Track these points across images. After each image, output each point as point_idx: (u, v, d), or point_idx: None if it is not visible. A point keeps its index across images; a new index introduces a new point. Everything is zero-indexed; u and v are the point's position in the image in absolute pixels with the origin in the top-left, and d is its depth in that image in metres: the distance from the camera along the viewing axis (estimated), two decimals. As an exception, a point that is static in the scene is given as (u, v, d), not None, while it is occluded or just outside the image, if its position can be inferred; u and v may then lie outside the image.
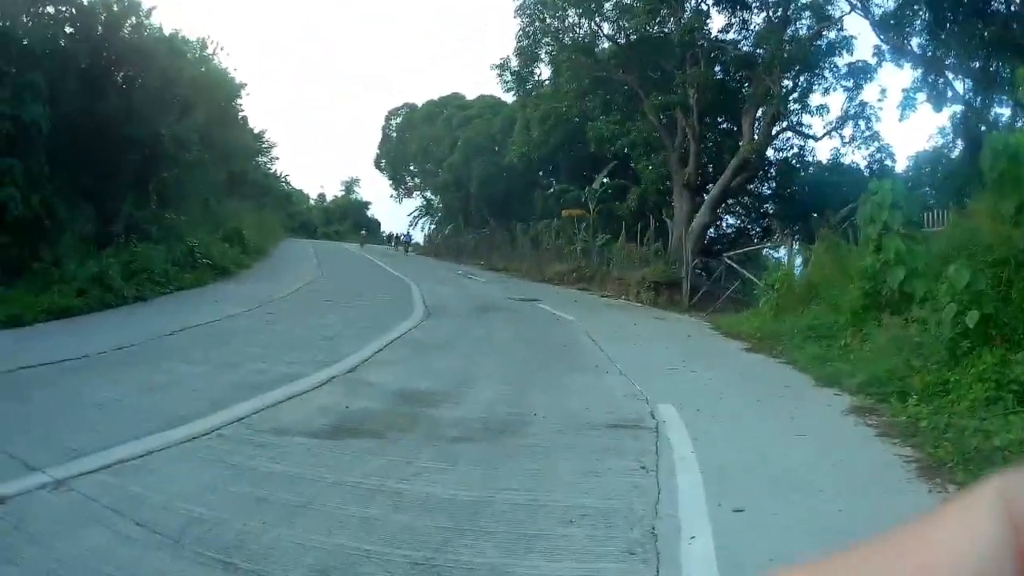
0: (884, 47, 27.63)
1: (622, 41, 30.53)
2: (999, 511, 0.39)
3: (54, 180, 18.01)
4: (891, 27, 26.23)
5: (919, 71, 28.10)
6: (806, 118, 30.80)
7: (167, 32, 26.32)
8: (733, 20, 29.64)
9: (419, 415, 8.64)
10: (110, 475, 6.18)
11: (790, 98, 28.69)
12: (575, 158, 37.89)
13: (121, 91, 21.55)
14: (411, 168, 60.76)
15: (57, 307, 15.54)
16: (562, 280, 30.91)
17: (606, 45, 31.50)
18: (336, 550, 4.92)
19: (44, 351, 11.51)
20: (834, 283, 15.30)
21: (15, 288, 15.99)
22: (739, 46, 29.79)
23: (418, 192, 62.24)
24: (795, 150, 33.43)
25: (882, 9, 26.08)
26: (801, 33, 27.58)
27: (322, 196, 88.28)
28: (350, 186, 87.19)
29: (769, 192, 35.60)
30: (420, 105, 60.03)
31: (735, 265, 23.82)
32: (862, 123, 29.87)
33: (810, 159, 33.80)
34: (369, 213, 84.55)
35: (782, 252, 22.98)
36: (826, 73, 28.78)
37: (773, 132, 29.51)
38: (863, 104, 29.43)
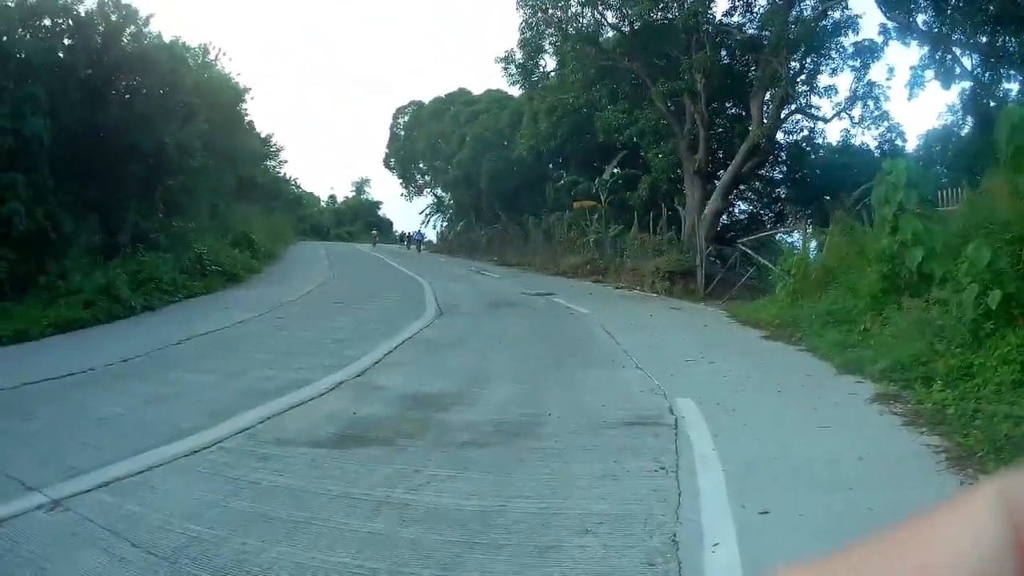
0: (890, 25, 27.19)
1: (626, 29, 30.11)
2: (999, 511, 0.39)
3: (58, 193, 17.92)
4: (896, 4, 25.80)
5: (926, 48, 27.72)
6: (815, 99, 30.34)
7: (167, 39, 26.20)
8: (737, 3, 29.20)
9: (429, 419, 8.35)
10: (107, 493, 5.99)
11: (798, 80, 28.19)
12: (584, 149, 37.50)
13: (123, 100, 21.43)
14: (420, 166, 60.41)
15: (64, 320, 15.42)
16: (576, 273, 30.59)
17: (610, 34, 31.09)
18: (338, 569, 4.66)
19: (49, 365, 11.35)
20: (851, 266, 14.98)
21: (22, 303, 15.88)
22: (744, 29, 29.36)
23: (428, 190, 61.88)
24: (805, 133, 32.97)
25: (887, -15, 25.67)
26: (806, 14, 27.08)
27: (333, 198, 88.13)
28: (360, 187, 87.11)
29: (780, 176, 35.05)
30: (427, 102, 59.70)
31: (749, 251, 23.51)
32: (871, 103, 29.26)
33: (820, 142, 33.39)
34: (381, 213, 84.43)
35: (796, 237, 22.77)
36: (833, 54, 28.26)
37: (782, 115, 28.99)
38: (871, 84, 28.88)
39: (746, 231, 30.40)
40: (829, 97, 29.65)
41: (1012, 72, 26.20)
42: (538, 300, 21.79)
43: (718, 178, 29.76)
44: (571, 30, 30.78)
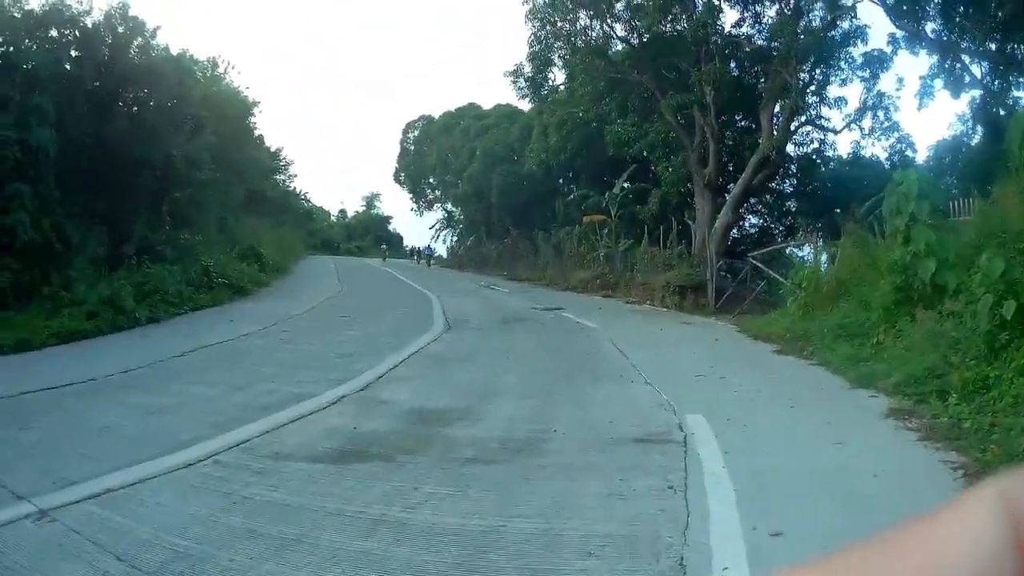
0: (899, 34, 27.05)
1: (635, 41, 30.00)
2: (1000, 511, 0.38)
3: (65, 204, 17.86)
4: (905, 12, 25.63)
5: (935, 57, 27.54)
6: (824, 111, 30.08)
7: (174, 52, 26.15)
8: (746, 14, 29.04)
9: (432, 435, 8.12)
10: (97, 505, 5.84)
11: (807, 91, 28.02)
12: (594, 163, 37.33)
13: (130, 112, 21.49)
14: (431, 180, 60.54)
15: (67, 331, 15.30)
16: (586, 287, 30.34)
17: (619, 47, 30.97)
18: (327, 591, 4.43)
19: (50, 375, 11.22)
20: (863, 279, 14.75)
21: (26, 312, 15.76)
22: (753, 40, 29.25)
23: (439, 204, 62.04)
24: (815, 145, 32.73)
25: (895, -6, 25.51)
26: (815, 24, 26.94)
27: (343, 212, 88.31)
28: (371, 201, 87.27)
29: (791, 190, 34.82)
30: (437, 117, 59.96)
31: (760, 265, 23.25)
32: (881, 114, 29.01)
33: (830, 154, 33.15)
34: (391, 227, 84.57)
35: (806, 251, 22.55)
36: (842, 64, 28.10)
37: (792, 127, 28.83)
38: (881, 94, 28.66)
39: (757, 245, 30.13)
40: (839, 108, 29.53)
41: (1022, 79, 26.00)
42: (547, 315, 21.56)
43: (728, 191, 29.57)
44: (580, 43, 30.62)
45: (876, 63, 27.75)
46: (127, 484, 6.29)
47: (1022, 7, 22.59)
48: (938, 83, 27.85)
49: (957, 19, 25.25)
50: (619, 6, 29.30)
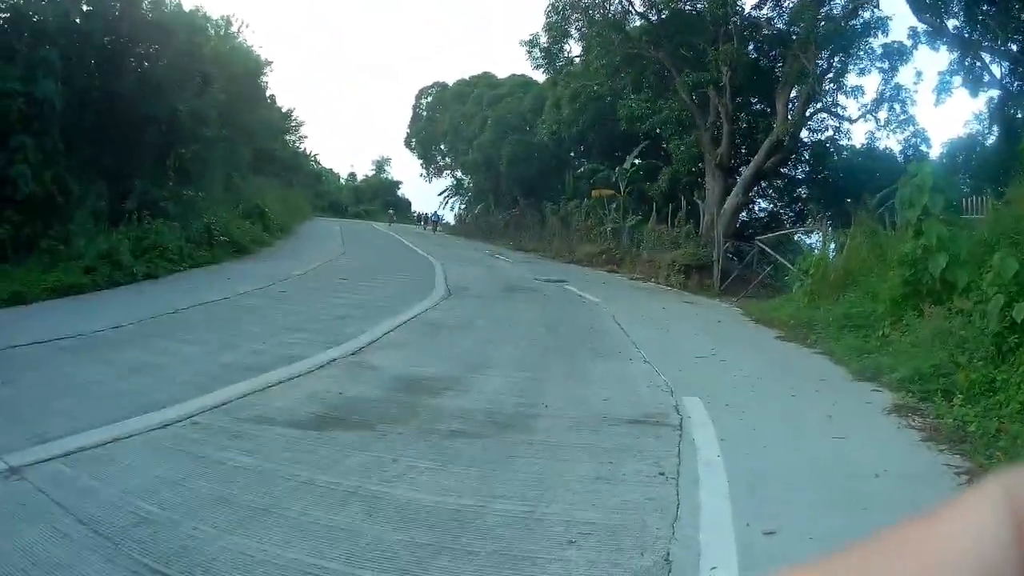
0: (920, 28, 26.72)
1: (654, 17, 29.65)
2: (1002, 509, 0.38)
3: (69, 157, 17.58)
4: (928, 7, 25.29)
5: (955, 54, 27.18)
6: (841, 99, 29.90)
7: (187, 8, 25.74)
8: (767, -5, 28.65)
9: (418, 405, 7.84)
10: (67, 464, 5.60)
11: (825, 78, 27.78)
12: (606, 137, 37.08)
13: (139, 68, 21.14)
14: (441, 147, 60.10)
15: (63, 285, 14.98)
16: (591, 261, 30.13)
17: (637, 22, 30.65)
18: (289, 566, 4.19)
19: (40, 330, 10.88)
20: (871, 269, 14.47)
21: (23, 266, 15.48)
22: (773, 23, 28.98)
23: (448, 171, 61.71)
24: (829, 132, 32.47)
25: (919, -13, 25.12)
26: (836, 12, 26.65)
27: (352, 176, 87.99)
28: (381, 165, 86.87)
29: (802, 176, 34.53)
30: (451, 84, 59.50)
31: (767, 249, 22.93)
32: (897, 106, 28.85)
33: (844, 143, 32.84)
34: (400, 193, 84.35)
35: (815, 238, 22.35)
36: (861, 54, 27.86)
37: (807, 113, 28.60)
38: (898, 87, 28.41)
39: (765, 229, 29.87)
40: (855, 98, 29.32)
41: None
42: (550, 287, 21.31)
43: (740, 173, 29.31)
44: (597, 16, 30.24)
45: (895, 55, 27.56)
46: (101, 443, 6.05)
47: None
48: (956, 80, 27.65)
49: (980, 17, 24.95)
50: (638, -21, 28.87)
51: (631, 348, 11.99)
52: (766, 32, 29.00)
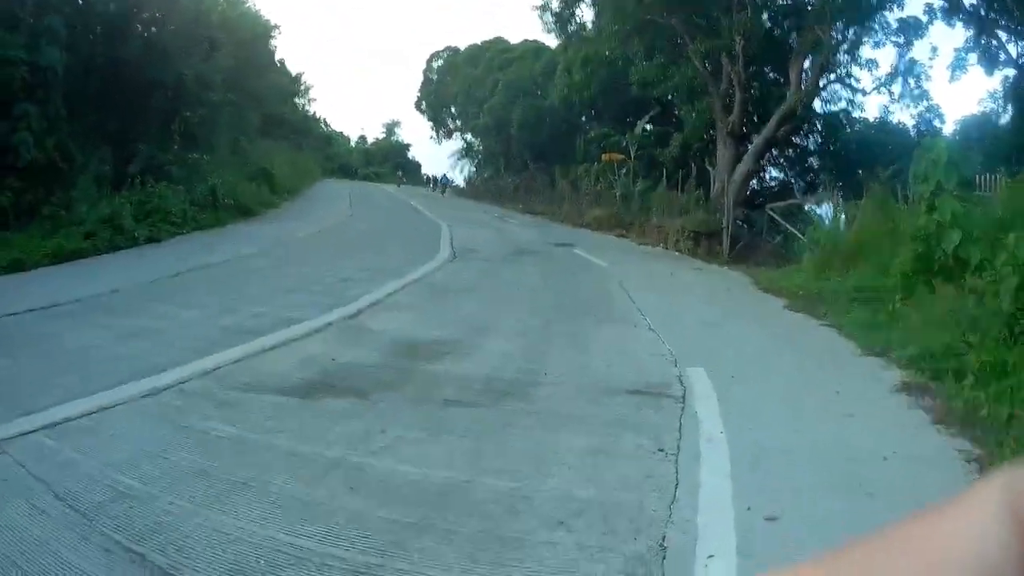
0: (936, 3, 26.51)
1: (667, -18, 28.97)
2: (1004, 507, 0.37)
3: (73, 123, 17.47)
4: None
5: (971, 31, 27.09)
6: (855, 71, 29.61)
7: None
8: (783, -37, 28.16)
9: (414, 370, 7.62)
10: (50, 436, 5.40)
11: (839, 49, 27.35)
12: (617, 102, 36.71)
13: (145, 33, 20.96)
14: (452, 110, 59.82)
15: (64, 250, 14.78)
16: (600, 226, 29.80)
17: (651, -14, 29.93)
18: (263, 544, 3.97)
19: (37, 296, 10.65)
20: (882, 243, 14.10)
21: (25, 232, 15.35)
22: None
23: (458, 134, 61.37)
24: (842, 104, 32.15)
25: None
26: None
27: (363, 138, 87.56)
28: (391, 128, 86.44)
29: (814, 147, 34.27)
30: (463, 48, 59.21)
31: (777, 218, 22.62)
32: (911, 81, 28.79)
33: (857, 115, 32.62)
34: (410, 155, 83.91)
35: (824, 208, 22.05)
36: (876, 26, 27.44)
37: (821, 83, 28.23)
38: (913, 61, 28.24)
39: (776, 198, 29.46)
40: (870, 71, 29.05)
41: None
42: (558, 250, 21.12)
43: (751, 141, 28.86)
44: (611, -20, 29.65)
45: (911, 29, 27.17)
46: (86, 413, 5.86)
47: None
48: (972, 57, 27.65)
49: (998, -5, 24.71)
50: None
51: (637, 315, 11.74)
52: (781, 2, 28.63)
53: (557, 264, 18.18)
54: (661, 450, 5.56)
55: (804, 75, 26.94)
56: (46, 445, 5.25)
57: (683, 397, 7.08)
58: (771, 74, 31.38)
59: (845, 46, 27.68)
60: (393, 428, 5.80)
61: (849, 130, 32.15)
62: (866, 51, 28.49)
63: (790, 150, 33.61)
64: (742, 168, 27.11)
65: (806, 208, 24.74)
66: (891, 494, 4.95)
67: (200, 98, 22.40)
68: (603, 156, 33.64)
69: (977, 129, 28.08)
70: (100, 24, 19.02)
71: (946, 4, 25.83)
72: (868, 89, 29.83)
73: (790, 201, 26.26)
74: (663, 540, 4.14)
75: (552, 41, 40.55)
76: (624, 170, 32.09)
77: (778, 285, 15.75)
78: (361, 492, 4.64)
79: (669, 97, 31.42)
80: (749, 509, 4.57)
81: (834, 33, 26.07)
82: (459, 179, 61.23)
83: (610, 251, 21.80)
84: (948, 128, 29.61)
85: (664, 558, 3.96)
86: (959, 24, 27.06)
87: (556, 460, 5.30)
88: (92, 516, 4.22)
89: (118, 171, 18.90)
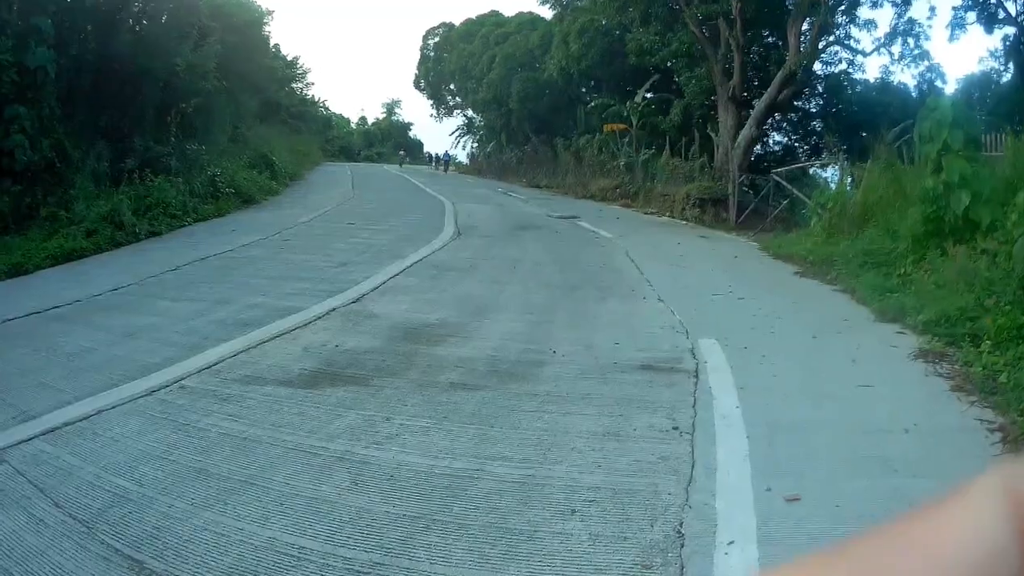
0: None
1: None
2: (1002, 501, 0.38)
3: (67, 122, 17.31)
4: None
5: (969, -11, 26.80)
6: (854, 31, 29.28)
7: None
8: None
9: (417, 354, 7.45)
10: (48, 442, 5.33)
11: (838, 10, 26.83)
12: (616, 72, 36.29)
13: (136, 26, 20.70)
14: (451, 87, 59.37)
15: (64, 251, 14.68)
16: (605, 197, 29.64)
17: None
18: (265, 546, 3.86)
19: (38, 299, 10.53)
20: (890, 205, 13.81)
21: (25, 236, 15.23)
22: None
23: (459, 111, 61.02)
24: (843, 65, 31.79)
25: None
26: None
27: (363, 120, 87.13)
28: (391, 108, 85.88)
29: (816, 110, 33.93)
30: (458, 24, 58.56)
31: (783, 182, 22.29)
32: (911, 40, 28.36)
33: (858, 76, 32.31)
34: (412, 134, 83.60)
35: (830, 171, 22.00)
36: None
37: (820, 45, 27.75)
38: (912, 21, 27.84)
39: (780, 163, 29.24)
40: (869, 31, 29.39)
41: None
42: (562, 223, 20.86)
43: (753, 106, 28.48)
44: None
45: (908, -13, 26.84)
46: (85, 416, 5.77)
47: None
48: (971, 16, 27.32)
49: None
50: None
51: (645, 286, 11.56)
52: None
53: (563, 237, 17.96)
54: (675, 428, 5.39)
55: (803, 37, 26.51)
56: (45, 452, 5.16)
57: (696, 371, 6.90)
58: (769, 37, 31.03)
59: (843, 7, 27.23)
60: (397, 417, 5.65)
61: (850, 92, 31.85)
62: (864, 12, 28.20)
63: (793, 114, 33.23)
64: (745, 133, 26.77)
65: (811, 171, 24.50)
66: (915, 469, 4.77)
67: (194, 88, 22.03)
68: (605, 127, 33.30)
69: (979, 88, 28.23)
70: (89, 20, 18.74)
71: (943, -39, 25.59)
72: (868, 50, 29.59)
73: (795, 165, 25.99)
74: (680, 526, 3.98)
75: (547, 12, 40.38)
76: (626, 139, 31.78)
77: (787, 251, 15.53)
78: (366, 486, 4.49)
79: (668, 64, 31.03)
80: (769, 490, 4.40)
81: (831, -8, 25.70)
82: (462, 156, 61.22)
83: (616, 222, 21.58)
84: (950, 88, 29.54)
85: (682, 546, 3.79)
86: (956, -19, 26.78)
87: (566, 444, 5.13)
88: (91, 523, 4.14)
89: (116, 167, 18.67)
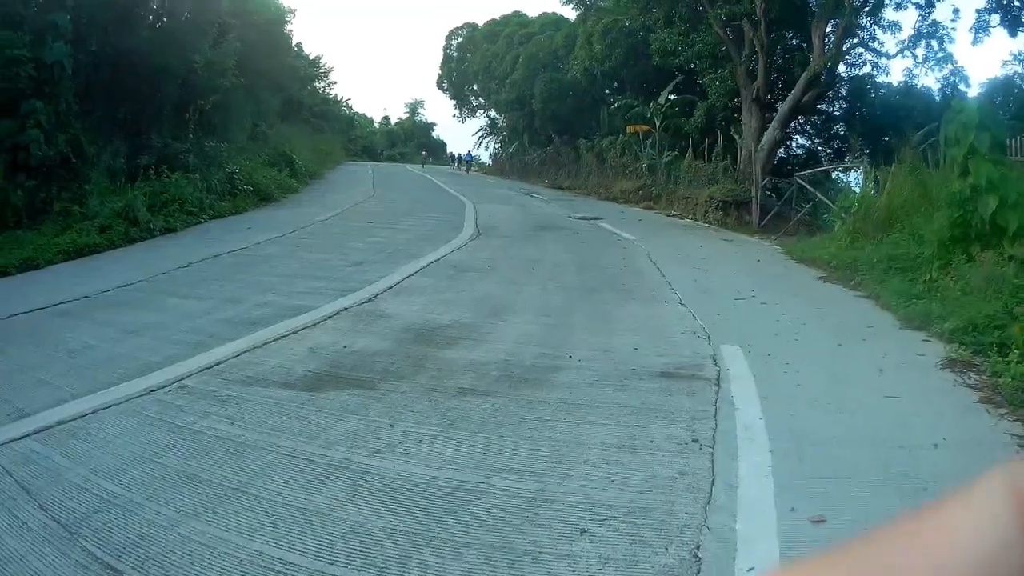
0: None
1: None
2: (1008, 500, 0.38)
3: (84, 118, 17.26)
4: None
5: (993, -9, 26.37)
6: (878, 33, 28.89)
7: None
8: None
9: (428, 357, 7.19)
10: (39, 442, 5.15)
11: (862, 11, 26.43)
12: (640, 73, 36.07)
13: (156, 23, 20.72)
14: (474, 87, 59.28)
15: (77, 246, 14.61)
16: (628, 198, 29.43)
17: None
18: (250, 560, 3.61)
19: (47, 294, 10.42)
20: (915, 209, 13.50)
21: (39, 230, 15.14)
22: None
23: (482, 111, 60.99)
24: (867, 68, 31.31)
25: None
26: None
27: (386, 119, 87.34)
28: (414, 108, 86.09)
29: (840, 113, 33.48)
30: (481, 24, 58.59)
31: (807, 186, 21.96)
32: (935, 43, 27.94)
33: (882, 79, 31.73)
34: (435, 134, 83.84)
35: (853, 176, 21.74)
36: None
37: (844, 47, 27.43)
38: (936, 23, 27.45)
39: (804, 166, 29.07)
40: (893, 34, 28.91)
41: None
42: (584, 225, 20.63)
43: (776, 108, 28.13)
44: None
45: (932, -9, 26.48)
46: (80, 415, 5.60)
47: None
48: (994, 19, 26.68)
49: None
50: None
51: (666, 289, 11.30)
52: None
53: (584, 239, 17.69)
54: (695, 441, 5.08)
55: (827, 39, 26.18)
56: (35, 451, 5.01)
57: (717, 379, 6.60)
58: (794, 39, 30.71)
59: (867, 8, 26.73)
60: (402, 423, 5.39)
61: (874, 95, 31.40)
62: (888, 13, 27.79)
63: (816, 117, 32.85)
64: (769, 136, 26.43)
65: (834, 175, 24.14)
66: (946, 487, 4.41)
67: (212, 85, 22.00)
68: (628, 128, 33.04)
69: (1002, 91, 27.57)
70: (108, 16, 18.65)
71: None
72: (892, 53, 29.23)
73: (818, 168, 25.73)
74: (697, 550, 3.67)
75: (571, 13, 40.27)
76: (649, 141, 31.54)
77: (810, 255, 15.22)
78: (362, 499, 4.22)
79: (692, 66, 30.68)
80: (793, 510, 4.08)
81: (855, -6, 25.42)
82: (484, 156, 61.37)
83: (638, 224, 21.31)
84: (972, 92, 28.91)
85: (698, 572, 3.49)
86: (980, -16, 26.40)
87: (578, 456, 4.84)
88: (74, 528, 3.97)
89: (132, 163, 18.60)
